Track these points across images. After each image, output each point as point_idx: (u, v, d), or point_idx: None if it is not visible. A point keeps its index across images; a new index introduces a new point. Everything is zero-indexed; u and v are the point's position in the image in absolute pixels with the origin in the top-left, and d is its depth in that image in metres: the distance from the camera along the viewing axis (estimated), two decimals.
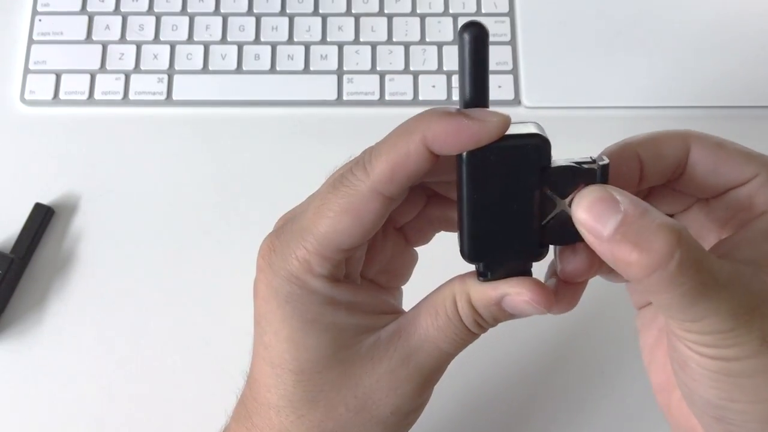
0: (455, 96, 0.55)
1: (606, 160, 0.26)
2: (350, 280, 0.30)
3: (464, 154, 0.25)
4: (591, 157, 0.26)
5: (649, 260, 0.23)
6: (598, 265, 0.27)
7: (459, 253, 0.27)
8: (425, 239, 0.33)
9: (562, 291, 0.28)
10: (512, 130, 0.25)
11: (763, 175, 0.28)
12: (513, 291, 0.27)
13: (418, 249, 0.34)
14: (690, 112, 0.55)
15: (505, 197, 0.26)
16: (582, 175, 0.26)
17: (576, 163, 0.26)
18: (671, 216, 0.29)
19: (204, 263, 0.50)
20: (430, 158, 0.25)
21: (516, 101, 0.55)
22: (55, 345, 0.48)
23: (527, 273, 0.27)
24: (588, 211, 0.24)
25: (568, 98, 0.55)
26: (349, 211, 0.26)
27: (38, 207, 0.50)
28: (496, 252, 0.27)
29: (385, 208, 0.27)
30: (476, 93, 0.25)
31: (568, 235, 0.26)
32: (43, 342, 0.48)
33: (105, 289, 0.49)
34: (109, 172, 0.53)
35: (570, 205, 0.26)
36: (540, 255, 0.27)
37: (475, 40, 0.24)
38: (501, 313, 0.28)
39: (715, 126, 0.54)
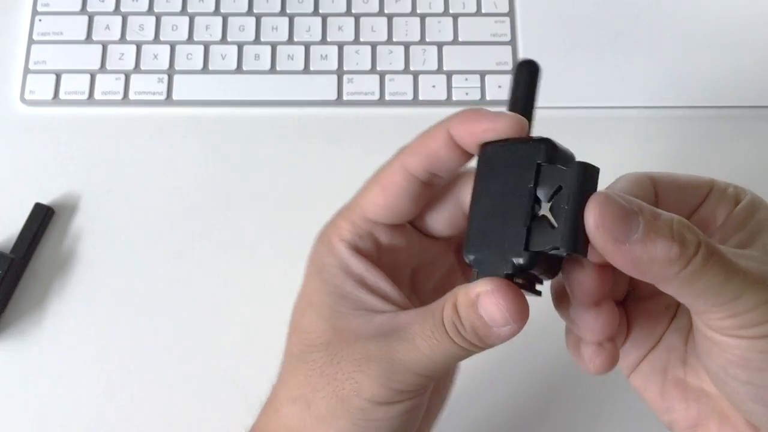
0: (455, 96, 0.55)
1: (592, 164, 0.25)
2: (391, 275, 0.30)
3: (481, 148, 0.27)
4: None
5: (687, 249, 0.23)
6: (605, 280, 0.26)
7: None
8: None
9: (594, 349, 0.28)
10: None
11: (716, 186, 0.29)
12: (483, 289, 0.25)
13: None
14: (690, 112, 0.55)
15: (504, 194, 0.26)
16: (562, 176, 0.25)
17: (563, 165, 0.25)
18: None
19: (204, 263, 0.50)
20: (452, 147, 0.28)
21: None
22: (55, 345, 0.48)
23: (510, 277, 0.26)
24: (604, 218, 0.23)
25: (568, 98, 0.55)
26: (379, 183, 0.30)
27: (38, 207, 0.50)
28: (486, 252, 0.26)
29: (410, 186, 0.29)
30: (518, 111, 0.27)
31: (548, 239, 0.24)
32: (43, 342, 0.48)
33: (105, 289, 0.49)
34: (109, 172, 0.53)
35: (551, 210, 0.25)
36: (523, 259, 0.25)
37: (531, 74, 0.28)
38: (478, 320, 0.26)
39: (716, 126, 0.55)
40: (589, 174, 0.25)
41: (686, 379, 0.30)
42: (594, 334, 0.27)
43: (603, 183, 0.26)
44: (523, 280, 0.26)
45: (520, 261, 0.25)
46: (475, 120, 0.27)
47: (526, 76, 0.28)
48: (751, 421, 0.28)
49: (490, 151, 0.27)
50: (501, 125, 0.26)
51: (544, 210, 0.25)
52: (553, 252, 0.25)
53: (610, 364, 0.28)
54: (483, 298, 0.25)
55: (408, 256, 0.31)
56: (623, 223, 0.23)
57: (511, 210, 0.25)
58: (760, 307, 0.24)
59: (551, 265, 0.26)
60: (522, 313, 0.25)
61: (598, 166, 0.25)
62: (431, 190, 0.30)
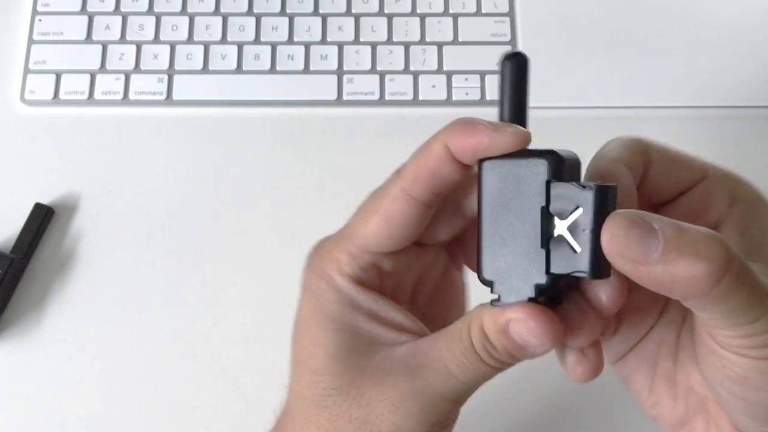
0: (455, 96, 0.55)
1: (609, 184, 0.24)
2: (394, 298, 0.29)
3: (482, 164, 0.26)
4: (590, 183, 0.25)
5: (716, 267, 0.22)
6: (624, 295, 0.26)
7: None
8: (468, 262, 0.32)
9: (576, 358, 0.27)
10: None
11: (713, 174, 0.28)
12: (515, 316, 0.25)
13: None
14: (690, 112, 0.55)
15: (514, 214, 0.25)
16: (578, 198, 0.24)
17: (578, 184, 0.24)
18: None
19: (204, 263, 0.50)
20: (453, 162, 0.26)
21: None
22: (55, 345, 0.48)
23: (536, 300, 0.25)
24: (624, 239, 0.22)
25: (568, 98, 0.55)
26: (378, 211, 0.28)
27: (38, 207, 0.50)
28: (506, 274, 0.25)
29: (413, 211, 0.27)
30: (512, 115, 0.26)
31: (570, 263, 0.24)
32: (43, 342, 0.48)
33: (105, 289, 0.49)
34: (109, 172, 0.53)
35: (570, 231, 0.24)
36: (546, 284, 0.25)
37: (518, 68, 0.26)
38: (510, 343, 0.26)
39: (716, 126, 0.55)
40: (608, 196, 0.24)
41: (676, 376, 0.29)
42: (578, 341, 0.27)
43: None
44: (545, 297, 0.26)
45: (543, 285, 0.25)
46: (474, 135, 0.26)
47: (515, 72, 0.26)
48: (739, 428, 0.27)
49: (492, 166, 0.26)
50: (503, 143, 0.25)
51: (561, 230, 0.24)
52: (576, 275, 0.24)
53: (592, 374, 0.27)
54: (514, 325, 0.25)
55: (408, 274, 0.31)
56: (641, 244, 0.22)
57: (526, 230, 0.25)
58: None
59: (571, 282, 0.26)
60: (555, 332, 0.25)
61: (615, 184, 0.24)
62: (433, 208, 0.28)
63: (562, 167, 0.24)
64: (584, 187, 0.24)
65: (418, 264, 0.31)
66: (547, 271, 0.25)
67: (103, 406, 0.47)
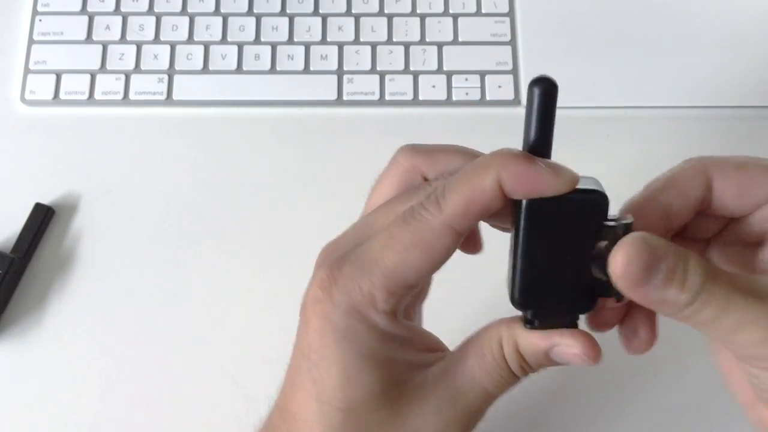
0: (455, 96, 0.55)
1: (629, 219, 0.26)
2: (406, 314, 0.30)
3: (525, 200, 0.26)
4: (615, 217, 0.27)
5: (687, 297, 0.24)
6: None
7: (508, 297, 0.28)
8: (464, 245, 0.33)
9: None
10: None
11: None
12: (564, 343, 0.27)
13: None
14: (690, 112, 0.55)
15: (560, 249, 0.26)
16: (611, 233, 0.26)
17: (609, 221, 0.26)
18: (707, 239, 0.31)
19: (204, 263, 0.50)
20: (503, 198, 0.26)
21: (516, 101, 0.55)
22: (55, 345, 0.48)
23: (574, 324, 0.28)
24: (624, 264, 0.24)
25: (568, 98, 0.55)
26: (419, 246, 0.26)
27: (38, 207, 0.50)
28: (545, 301, 0.27)
29: (455, 244, 0.27)
30: (541, 143, 0.26)
31: (603, 291, 0.27)
32: (43, 342, 0.48)
33: (105, 289, 0.49)
34: (109, 172, 0.53)
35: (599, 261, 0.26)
36: (588, 309, 0.28)
37: (545, 94, 0.26)
38: (547, 362, 0.28)
39: (716, 126, 0.55)
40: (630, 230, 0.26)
41: None
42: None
43: (603, 185, 0.27)
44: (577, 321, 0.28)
45: (585, 310, 0.28)
46: (533, 177, 0.25)
47: (547, 99, 0.26)
48: None
49: (539, 203, 0.26)
50: (559, 188, 0.25)
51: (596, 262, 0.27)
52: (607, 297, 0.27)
53: (643, 349, 0.29)
54: (561, 349, 0.27)
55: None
56: (640, 270, 0.24)
57: (571, 265, 0.27)
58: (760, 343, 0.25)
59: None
60: (598, 354, 0.27)
61: (631, 220, 0.26)
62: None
63: (607, 205, 0.26)
64: (616, 222, 0.26)
65: None
66: (591, 299, 0.27)
67: (103, 406, 0.47)
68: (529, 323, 0.27)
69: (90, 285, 0.50)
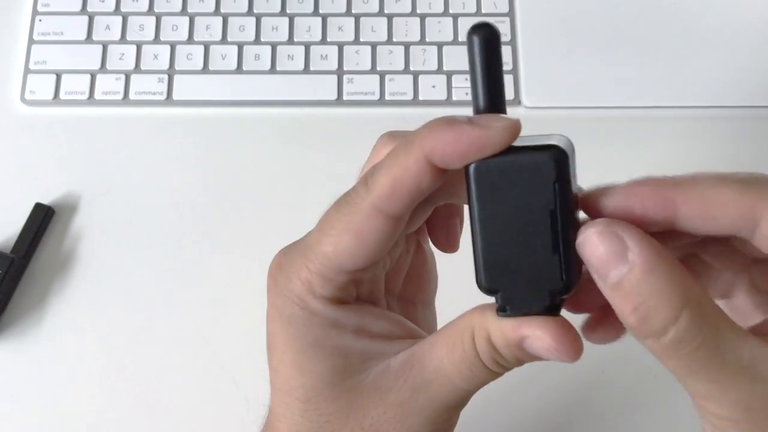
0: (455, 96, 0.55)
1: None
2: (371, 301, 0.28)
3: (471, 167, 0.23)
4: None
5: (647, 329, 0.21)
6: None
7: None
8: (433, 237, 0.31)
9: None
10: (533, 142, 0.23)
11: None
12: (530, 333, 0.23)
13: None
14: (691, 112, 0.55)
15: (518, 218, 0.23)
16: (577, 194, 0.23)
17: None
18: (726, 272, 0.27)
19: (204, 263, 0.50)
20: (432, 172, 0.23)
21: (516, 101, 0.55)
22: (55, 345, 0.48)
23: (554, 309, 0.24)
24: (593, 249, 0.22)
25: (568, 98, 0.55)
26: (350, 230, 0.25)
27: (38, 207, 0.50)
28: (513, 282, 0.23)
29: (389, 228, 0.25)
30: (489, 101, 0.23)
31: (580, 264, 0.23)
32: (43, 342, 0.48)
33: (105, 289, 0.49)
34: (109, 172, 0.53)
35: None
36: (563, 288, 0.23)
37: (486, 42, 0.22)
38: (524, 355, 0.24)
39: (717, 126, 0.55)
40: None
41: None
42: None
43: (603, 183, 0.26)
44: (558, 305, 0.24)
45: (557, 289, 0.23)
46: (459, 139, 0.22)
47: (486, 46, 0.22)
48: None
49: (483, 167, 0.23)
50: (495, 143, 0.22)
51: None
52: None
53: (602, 342, 0.26)
54: (531, 342, 0.23)
55: (382, 270, 0.29)
56: (607, 262, 0.22)
57: (533, 236, 0.23)
58: (724, 419, 0.22)
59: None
60: (577, 348, 0.23)
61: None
62: (407, 217, 0.26)
63: (566, 162, 0.23)
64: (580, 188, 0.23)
65: (391, 257, 0.29)
66: (562, 277, 0.23)
67: (103, 406, 0.47)
68: (501, 310, 0.24)
69: (90, 285, 0.50)
